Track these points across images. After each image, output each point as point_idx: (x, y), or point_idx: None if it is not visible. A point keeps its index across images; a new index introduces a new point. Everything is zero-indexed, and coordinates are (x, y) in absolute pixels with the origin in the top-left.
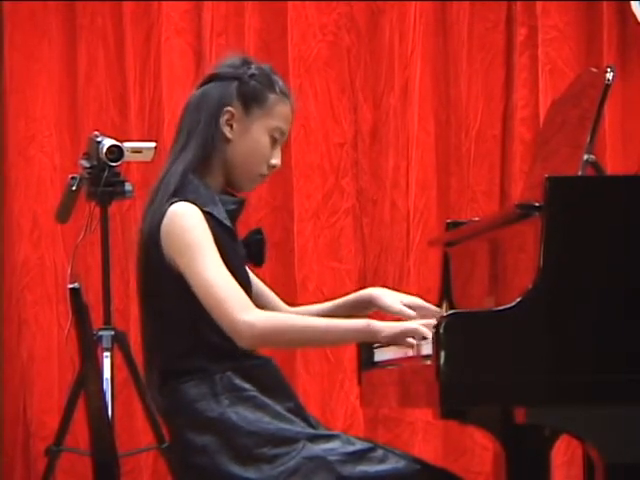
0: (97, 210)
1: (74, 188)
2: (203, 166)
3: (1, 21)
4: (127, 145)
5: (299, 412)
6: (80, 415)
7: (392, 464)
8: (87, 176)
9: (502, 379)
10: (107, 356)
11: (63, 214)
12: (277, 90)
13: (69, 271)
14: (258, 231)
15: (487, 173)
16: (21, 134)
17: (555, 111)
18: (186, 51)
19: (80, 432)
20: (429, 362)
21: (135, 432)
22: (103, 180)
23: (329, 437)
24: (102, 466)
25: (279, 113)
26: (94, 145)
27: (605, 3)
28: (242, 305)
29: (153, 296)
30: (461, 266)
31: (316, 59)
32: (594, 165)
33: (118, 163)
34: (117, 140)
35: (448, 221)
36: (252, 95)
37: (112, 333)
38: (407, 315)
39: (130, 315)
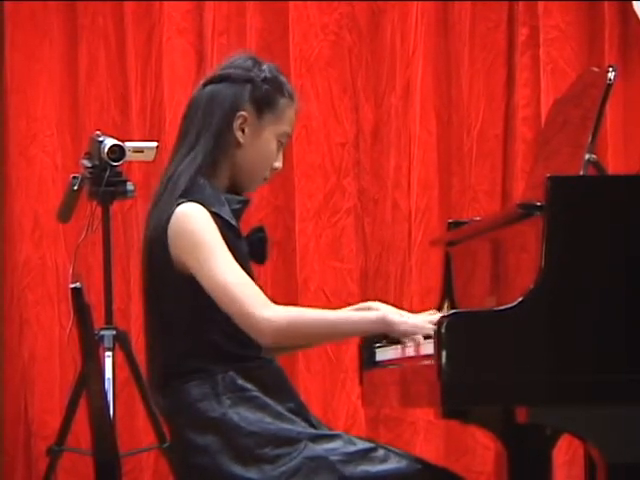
0: (99, 210)
1: (76, 188)
2: (211, 169)
3: (2, 21)
4: (129, 145)
5: (301, 412)
6: (81, 415)
7: (394, 464)
8: (89, 176)
9: (503, 379)
10: (109, 356)
11: (65, 214)
12: (286, 93)
13: (70, 271)
14: (260, 229)
15: (489, 173)
16: (22, 134)
17: (557, 111)
18: (187, 51)
19: (81, 432)
20: (430, 362)
21: (136, 432)
22: (105, 180)
23: (331, 437)
24: (103, 466)
25: (288, 117)
26: (96, 145)
27: (606, 3)
28: (260, 302)
29: (156, 296)
30: (463, 266)
31: (317, 59)
32: (595, 165)
33: (120, 163)
34: (119, 140)
35: (450, 221)
36: (265, 100)
37: (114, 333)
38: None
39: (131, 315)
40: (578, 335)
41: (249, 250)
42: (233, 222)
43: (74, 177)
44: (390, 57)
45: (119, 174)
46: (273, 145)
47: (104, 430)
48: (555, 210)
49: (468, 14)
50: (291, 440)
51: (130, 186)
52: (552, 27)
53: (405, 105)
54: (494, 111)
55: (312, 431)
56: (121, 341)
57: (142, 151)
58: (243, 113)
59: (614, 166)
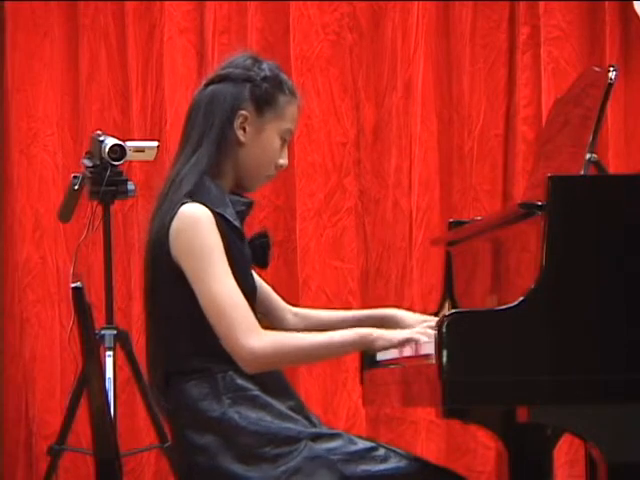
0: (99, 209)
1: (76, 187)
2: (215, 169)
3: (3, 20)
4: (129, 144)
5: (301, 411)
6: (82, 414)
7: (394, 463)
8: (89, 175)
9: (504, 378)
10: (109, 355)
11: (65, 213)
12: (287, 91)
13: (71, 270)
14: (264, 234)
15: (490, 172)
16: (23, 133)
17: (558, 110)
18: (188, 50)
19: (82, 431)
20: (431, 361)
21: (137, 431)
22: (105, 179)
23: (331, 436)
24: (104, 465)
25: (289, 114)
26: (96, 144)
27: (607, 3)
28: (246, 328)
29: (157, 295)
30: (463, 265)
31: (318, 58)
32: (596, 164)
33: (120, 162)
34: (119, 139)
35: (450, 220)
36: (265, 98)
37: (114, 332)
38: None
39: (132, 314)
40: (579, 334)
41: (252, 255)
42: (237, 224)
43: (75, 176)
44: (391, 56)
45: (120, 173)
46: (276, 142)
47: (105, 430)
48: (556, 210)
49: (469, 13)
50: (292, 439)
51: (131, 186)
52: (553, 27)
53: (406, 104)
54: (495, 110)
55: (313, 430)
56: (122, 341)
57: (143, 150)
58: (243, 112)
59: (615, 166)
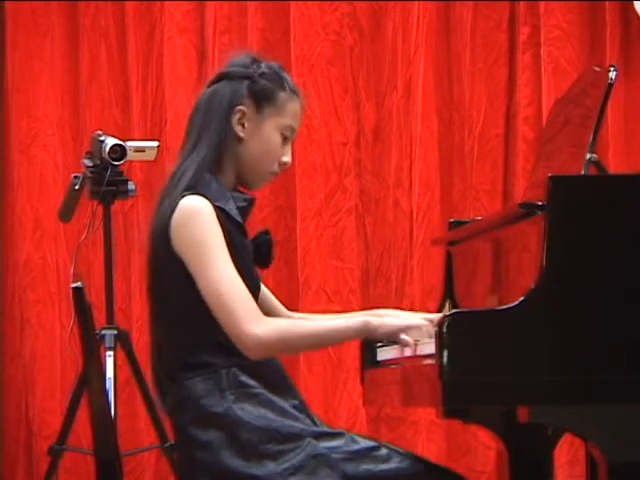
0: (100, 209)
1: (77, 187)
2: (215, 165)
3: (3, 21)
4: (130, 144)
5: (304, 410)
6: (83, 414)
7: (396, 463)
8: (90, 175)
9: (504, 378)
10: (110, 355)
11: (66, 213)
12: (287, 88)
13: (72, 270)
14: (266, 232)
15: (490, 172)
16: (24, 133)
17: (558, 110)
18: (189, 50)
19: (83, 431)
20: (432, 361)
21: (137, 431)
22: (106, 179)
23: (334, 435)
24: (104, 465)
25: (289, 111)
26: (97, 144)
27: (608, 3)
28: (249, 316)
29: (161, 292)
30: (464, 265)
31: (319, 58)
32: (597, 164)
33: (121, 162)
34: (120, 139)
35: (451, 220)
36: (263, 94)
37: (115, 332)
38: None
39: (133, 314)
40: (579, 334)
41: (255, 254)
42: (238, 218)
43: (75, 176)
44: (391, 56)
45: (120, 173)
46: (276, 138)
47: (105, 430)
48: (556, 209)
49: (469, 13)
50: (294, 437)
51: (131, 185)
52: (553, 26)
53: (406, 104)
54: (495, 110)
55: (315, 428)
56: (122, 341)
57: (143, 150)
58: (241, 107)
59: (615, 166)
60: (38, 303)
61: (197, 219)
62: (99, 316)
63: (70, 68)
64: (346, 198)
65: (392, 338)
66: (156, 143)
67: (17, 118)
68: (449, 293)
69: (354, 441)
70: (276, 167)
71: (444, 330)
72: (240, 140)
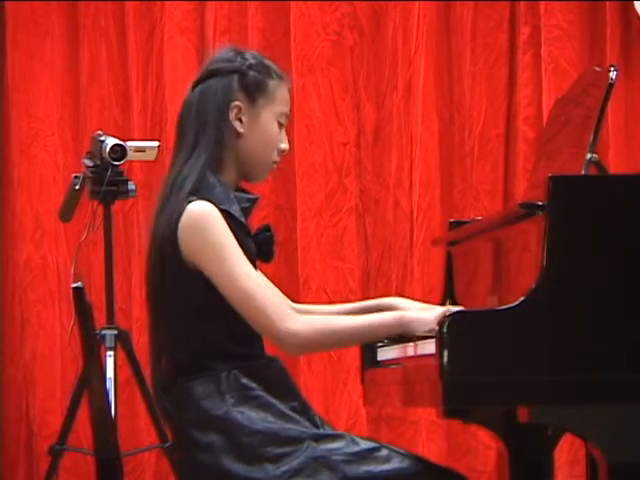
0: (100, 209)
1: (77, 187)
2: (217, 165)
3: (4, 20)
4: (130, 144)
5: (304, 411)
6: (83, 414)
7: (396, 464)
8: (90, 175)
9: (505, 378)
10: (110, 355)
11: (66, 213)
12: (274, 75)
13: (72, 270)
14: (267, 228)
15: (490, 172)
16: (24, 133)
17: (558, 110)
18: (189, 50)
19: (83, 431)
20: (432, 361)
21: (138, 431)
22: (106, 179)
23: (334, 437)
24: (105, 465)
25: (281, 97)
26: (97, 144)
27: (608, 3)
28: (282, 314)
29: (163, 295)
30: (464, 265)
31: (319, 58)
32: (597, 164)
33: (121, 162)
34: (120, 139)
35: (451, 220)
36: (254, 85)
37: (115, 332)
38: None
39: (133, 314)
40: (579, 334)
41: (257, 249)
42: (243, 220)
43: (75, 176)
44: (392, 56)
45: (120, 173)
46: (274, 127)
47: (105, 430)
48: (557, 209)
49: (470, 13)
50: (294, 440)
51: (131, 185)
52: (554, 26)
53: (407, 104)
54: (496, 110)
55: (315, 431)
56: (122, 341)
57: (143, 150)
58: (237, 103)
59: (615, 166)
60: (38, 303)
61: (209, 224)
62: (99, 316)
63: (70, 68)
64: (346, 198)
65: (427, 332)
66: (156, 143)
67: (17, 118)
68: (449, 293)
69: (354, 442)
70: (276, 156)
71: (444, 330)
72: (239, 136)
